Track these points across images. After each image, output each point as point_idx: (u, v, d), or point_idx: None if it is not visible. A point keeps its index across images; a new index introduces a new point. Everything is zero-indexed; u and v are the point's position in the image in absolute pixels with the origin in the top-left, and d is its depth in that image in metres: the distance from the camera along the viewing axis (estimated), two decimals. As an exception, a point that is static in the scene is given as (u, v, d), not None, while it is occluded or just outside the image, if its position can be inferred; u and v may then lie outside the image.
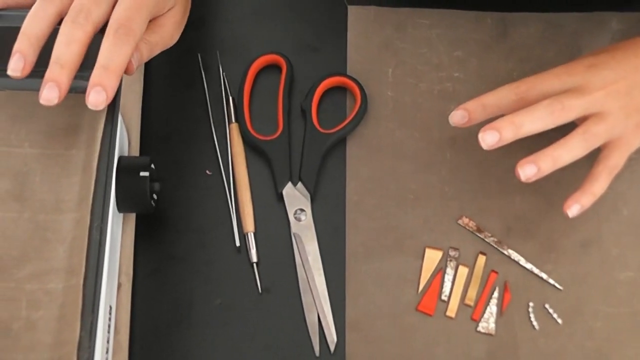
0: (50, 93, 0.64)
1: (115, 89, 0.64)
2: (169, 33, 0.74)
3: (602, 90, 0.73)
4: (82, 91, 0.65)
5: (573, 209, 0.74)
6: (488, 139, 0.71)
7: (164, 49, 0.74)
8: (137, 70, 0.84)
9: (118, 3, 0.67)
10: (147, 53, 0.71)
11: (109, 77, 0.64)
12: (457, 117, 0.74)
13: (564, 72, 0.75)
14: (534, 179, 0.72)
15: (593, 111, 0.73)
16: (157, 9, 0.71)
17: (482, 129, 0.71)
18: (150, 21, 0.72)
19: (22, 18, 0.69)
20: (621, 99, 0.74)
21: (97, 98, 0.64)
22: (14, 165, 0.73)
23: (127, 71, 0.69)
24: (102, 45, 0.65)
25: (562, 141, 0.73)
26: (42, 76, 0.66)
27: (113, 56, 0.65)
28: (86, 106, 0.74)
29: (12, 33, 0.68)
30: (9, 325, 0.68)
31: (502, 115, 0.72)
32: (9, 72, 0.65)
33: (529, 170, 0.72)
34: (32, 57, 0.65)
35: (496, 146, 0.71)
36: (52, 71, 0.64)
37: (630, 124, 0.75)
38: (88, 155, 0.71)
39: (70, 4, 0.66)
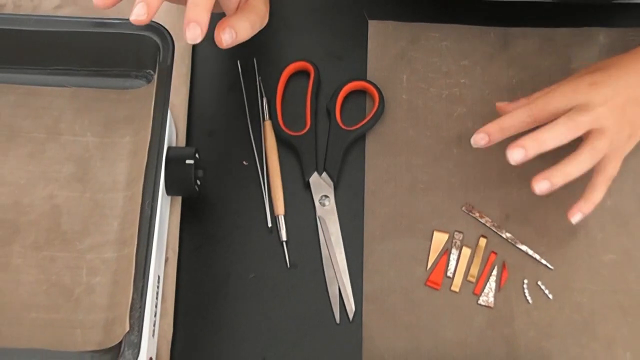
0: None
1: (207, 23, 0.62)
2: (262, 11, 0.73)
3: (603, 107, 0.73)
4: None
5: (576, 217, 0.75)
6: (516, 156, 0.72)
7: (262, 27, 0.73)
8: (186, 76, 0.85)
9: None
10: (249, 31, 0.70)
11: (200, 13, 0.62)
12: (479, 139, 0.74)
13: (569, 90, 0.74)
14: (547, 192, 0.72)
15: (596, 127, 0.73)
16: None
17: (510, 146, 0.72)
18: (244, 4, 0.72)
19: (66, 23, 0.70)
20: (617, 114, 0.73)
21: (193, 33, 0.62)
22: (78, 151, 0.74)
23: (219, 44, 0.68)
24: None
25: (571, 157, 0.73)
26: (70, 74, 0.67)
27: None
28: (139, 100, 0.75)
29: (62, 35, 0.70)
30: (72, 290, 0.70)
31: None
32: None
33: (543, 185, 0.72)
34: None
35: (522, 161, 0.72)
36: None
37: (623, 137, 0.75)
38: (140, 142, 0.72)
39: None
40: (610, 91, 0.74)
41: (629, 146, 0.77)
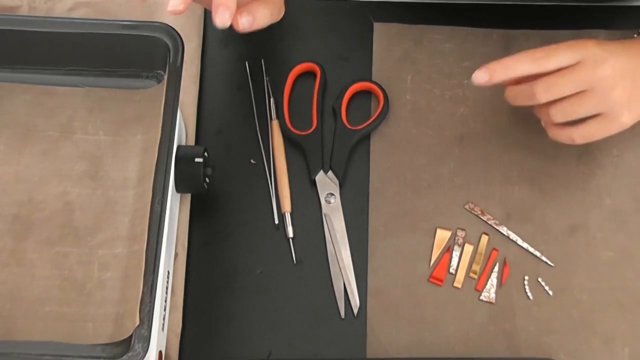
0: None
1: (235, 8, 0.62)
2: (279, 2, 0.73)
3: (606, 64, 0.71)
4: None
5: (481, 75, 0.73)
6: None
7: (278, 19, 0.73)
8: (195, 76, 0.85)
9: None
10: (267, 19, 0.70)
11: None
12: (480, 76, 0.73)
13: (575, 43, 0.73)
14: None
15: (585, 88, 0.71)
16: None
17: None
18: None
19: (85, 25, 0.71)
20: (618, 74, 0.72)
21: (222, 17, 0.62)
22: (90, 149, 0.75)
23: (236, 28, 0.67)
24: None
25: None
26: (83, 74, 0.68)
27: None
28: (150, 100, 0.75)
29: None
30: (84, 284, 0.70)
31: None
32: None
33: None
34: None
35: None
36: None
37: (619, 102, 0.72)
38: (151, 140, 0.72)
39: None
40: (613, 54, 0.72)
41: (624, 120, 0.73)
